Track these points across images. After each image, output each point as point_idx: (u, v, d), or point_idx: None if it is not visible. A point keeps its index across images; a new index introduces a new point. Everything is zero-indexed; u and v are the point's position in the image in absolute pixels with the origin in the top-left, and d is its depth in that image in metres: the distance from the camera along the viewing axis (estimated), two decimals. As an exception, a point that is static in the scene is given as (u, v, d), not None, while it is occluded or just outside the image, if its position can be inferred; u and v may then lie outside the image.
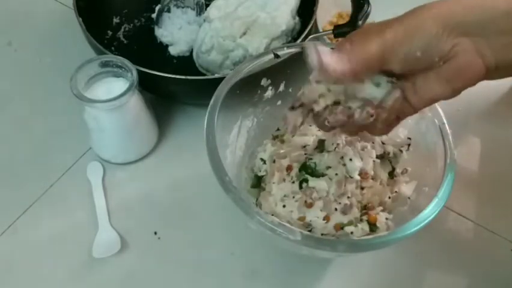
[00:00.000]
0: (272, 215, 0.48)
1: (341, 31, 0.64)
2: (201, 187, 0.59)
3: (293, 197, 0.51)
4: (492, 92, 0.73)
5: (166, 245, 0.57)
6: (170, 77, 0.59)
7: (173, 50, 0.72)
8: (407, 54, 0.37)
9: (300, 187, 0.52)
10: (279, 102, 0.58)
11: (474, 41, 0.36)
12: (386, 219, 0.51)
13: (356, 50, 0.38)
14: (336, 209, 0.50)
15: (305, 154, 0.54)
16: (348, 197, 0.51)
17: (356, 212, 0.50)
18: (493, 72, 0.37)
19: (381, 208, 0.52)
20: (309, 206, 0.50)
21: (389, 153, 0.54)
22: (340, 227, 0.49)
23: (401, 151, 0.55)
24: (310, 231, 0.50)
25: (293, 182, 0.52)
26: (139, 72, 0.57)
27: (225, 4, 0.68)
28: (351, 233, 0.49)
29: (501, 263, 0.58)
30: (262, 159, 0.56)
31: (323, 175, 0.51)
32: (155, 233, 0.58)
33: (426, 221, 0.44)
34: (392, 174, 0.55)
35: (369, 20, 0.65)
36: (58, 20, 0.79)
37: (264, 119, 0.59)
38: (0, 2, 0.81)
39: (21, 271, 0.55)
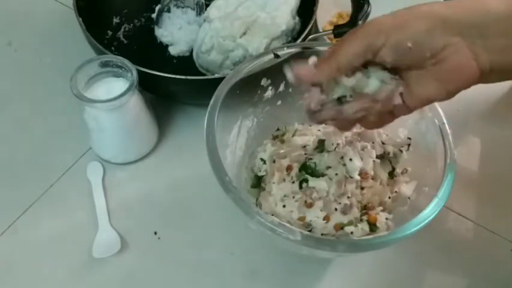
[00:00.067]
0: (272, 215, 0.48)
1: (341, 31, 0.64)
2: (201, 187, 0.60)
3: (293, 197, 0.51)
4: (492, 92, 0.73)
5: (166, 245, 0.57)
6: (170, 77, 0.59)
7: (173, 50, 0.72)
8: (398, 43, 0.37)
9: (300, 187, 0.51)
10: (279, 102, 0.58)
11: (468, 43, 0.36)
12: (386, 219, 0.51)
13: (338, 47, 0.39)
14: (336, 209, 0.50)
15: (305, 154, 0.54)
16: (348, 197, 0.51)
17: (356, 212, 0.50)
18: (488, 75, 0.37)
19: (381, 208, 0.52)
20: (309, 206, 0.50)
21: (389, 153, 0.54)
22: (340, 227, 0.49)
23: (401, 151, 0.55)
24: (310, 231, 0.50)
25: (293, 182, 0.52)
26: (139, 72, 0.57)
27: (225, 4, 0.68)
28: (351, 233, 0.49)
29: (501, 263, 0.58)
30: (262, 159, 0.56)
31: (323, 175, 0.51)
32: (155, 233, 0.58)
33: (426, 221, 0.44)
34: (392, 174, 0.55)
35: (369, 20, 0.65)
36: (58, 20, 0.79)
37: (264, 119, 0.59)
38: (0, 2, 0.81)
39: (21, 271, 0.55)
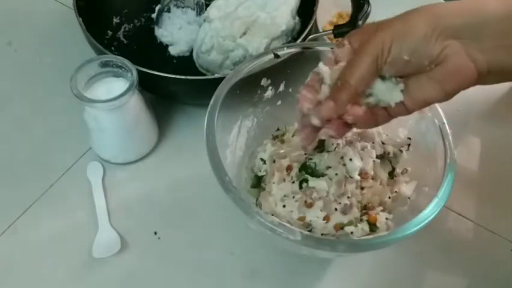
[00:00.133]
0: (272, 215, 0.48)
1: (341, 31, 0.64)
2: (201, 187, 0.60)
3: (293, 197, 0.51)
4: (492, 92, 0.73)
5: (166, 245, 0.57)
6: (170, 77, 0.59)
7: (173, 50, 0.72)
8: (395, 58, 0.37)
9: (300, 187, 0.51)
10: (279, 102, 0.58)
11: (465, 44, 0.36)
12: (386, 219, 0.51)
13: (349, 72, 0.39)
14: (336, 209, 0.50)
15: (305, 154, 0.54)
16: (348, 197, 0.51)
17: (356, 212, 0.50)
18: (486, 76, 0.37)
19: (381, 208, 0.52)
20: (309, 206, 0.50)
21: (389, 153, 0.54)
22: (340, 227, 0.49)
23: (401, 151, 0.55)
24: (310, 231, 0.50)
25: (293, 182, 0.52)
26: (139, 72, 0.57)
27: (225, 4, 0.68)
28: (351, 233, 0.49)
29: (501, 263, 0.58)
30: (262, 159, 0.56)
31: (323, 175, 0.51)
32: (155, 233, 0.58)
33: (426, 221, 0.44)
34: (392, 174, 0.55)
35: (369, 20, 0.65)
36: (58, 20, 0.79)
37: (264, 119, 0.59)
38: (0, 2, 0.81)
39: (21, 271, 0.55)
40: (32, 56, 0.74)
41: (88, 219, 0.58)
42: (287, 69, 0.56)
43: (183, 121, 0.68)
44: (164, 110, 0.68)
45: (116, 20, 0.75)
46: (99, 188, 0.61)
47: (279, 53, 0.54)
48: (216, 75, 0.64)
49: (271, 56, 0.54)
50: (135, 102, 0.59)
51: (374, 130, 0.55)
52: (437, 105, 0.51)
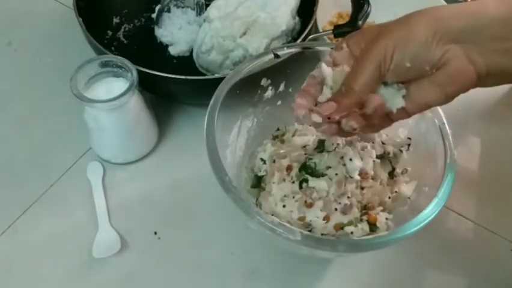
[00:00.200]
0: (272, 215, 0.48)
1: (341, 31, 0.64)
2: (201, 187, 0.60)
3: (293, 197, 0.51)
4: (492, 92, 0.73)
5: (166, 245, 0.57)
6: (170, 77, 0.59)
7: (173, 50, 0.72)
8: (398, 65, 0.38)
9: (300, 187, 0.51)
10: (279, 102, 0.58)
11: (464, 48, 0.36)
12: (386, 219, 0.51)
13: (353, 78, 0.39)
14: (336, 209, 0.50)
15: (305, 154, 0.54)
16: (348, 197, 0.51)
17: (356, 212, 0.50)
18: (485, 79, 0.37)
19: (381, 208, 0.52)
20: (309, 206, 0.50)
21: (389, 153, 0.54)
22: (340, 227, 0.49)
23: (401, 151, 0.55)
24: (310, 231, 0.50)
25: (293, 182, 0.52)
26: (139, 72, 0.57)
27: (225, 4, 0.68)
28: (351, 233, 0.49)
29: (501, 263, 0.58)
30: (262, 159, 0.56)
31: (323, 175, 0.51)
32: (155, 233, 0.58)
33: (426, 221, 0.44)
34: (392, 174, 0.55)
35: (369, 20, 0.65)
36: (58, 20, 0.79)
37: (264, 119, 0.59)
38: (0, 2, 0.81)
39: (21, 271, 0.55)
40: (32, 56, 0.74)
41: (88, 219, 0.58)
42: (287, 69, 0.56)
43: (183, 121, 0.68)
44: (164, 110, 0.68)
45: (116, 20, 0.75)
46: (99, 188, 0.61)
47: (279, 53, 0.54)
48: (216, 75, 0.64)
49: (271, 56, 0.54)
50: (135, 102, 0.59)
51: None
52: (437, 105, 0.51)
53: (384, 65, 0.38)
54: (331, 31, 0.65)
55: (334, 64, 0.42)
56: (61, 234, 0.57)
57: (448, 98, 0.39)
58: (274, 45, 0.66)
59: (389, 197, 0.53)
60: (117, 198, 0.60)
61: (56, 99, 0.68)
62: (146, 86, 0.61)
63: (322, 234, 0.49)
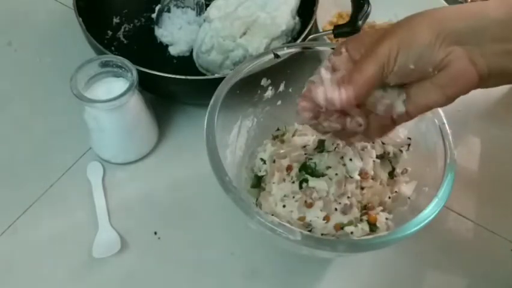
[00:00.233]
0: (272, 215, 0.48)
1: (341, 31, 0.64)
2: (201, 187, 0.60)
3: (293, 197, 0.51)
4: (492, 92, 0.73)
5: (166, 245, 0.57)
6: (170, 77, 0.59)
7: (173, 50, 0.72)
8: (401, 67, 0.37)
9: (300, 187, 0.52)
10: (279, 102, 0.58)
11: (467, 49, 0.36)
12: (386, 219, 0.51)
13: (355, 77, 0.39)
14: (336, 209, 0.50)
15: (305, 154, 0.54)
16: (348, 197, 0.51)
17: (356, 212, 0.50)
18: (486, 80, 0.37)
19: (381, 208, 0.52)
20: (309, 206, 0.50)
21: (389, 153, 0.54)
22: (340, 227, 0.49)
23: (401, 151, 0.55)
24: (310, 231, 0.50)
25: (293, 182, 0.52)
26: (139, 72, 0.57)
27: (225, 4, 0.68)
28: (351, 233, 0.49)
29: (501, 263, 0.58)
30: (262, 159, 0.56)
31: (323, 175, 0.51)
32: (155, 233, 0.58)
33: (426, 221, 0.44)
34: (392, 174, 0.55)
35: (369, 20, 0.65)
36: (58, 20, 0.79)
37: (264, 119, 0.59)
38: (0, 2, 0.81)
39: (21, 271, 0.55)
40: (32, 56, 0.74)
41: (88, 219, 0.58)
42: (287, 69, 0.56)
43: (183, 121, 0.68)
44: (164, 110, 0.68)
45: (116, 20, 0.75)
46: (99, 188, 0.61)
47: (279, 53, 0.54)
48: (216, 75, 0.64)
49: (271, 56, 0.54)
50: (135, 102, 0.59)
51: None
52: (437, 105, 0.51)
53: (388, 66, 0.38)
54: (331, 31, 0.65)
55: (333, 69, 0.42)
56: (61, 234, 0.57)
57: (448, 100, 0.38)
58: (274, 45, 0.66)
59: (389, 197, 0.53)
60: (117, 198, 0.60)
61: (56, 99, 0.68)
62: (146, 86, 0.61)
63: (322, 234, 0.49)
